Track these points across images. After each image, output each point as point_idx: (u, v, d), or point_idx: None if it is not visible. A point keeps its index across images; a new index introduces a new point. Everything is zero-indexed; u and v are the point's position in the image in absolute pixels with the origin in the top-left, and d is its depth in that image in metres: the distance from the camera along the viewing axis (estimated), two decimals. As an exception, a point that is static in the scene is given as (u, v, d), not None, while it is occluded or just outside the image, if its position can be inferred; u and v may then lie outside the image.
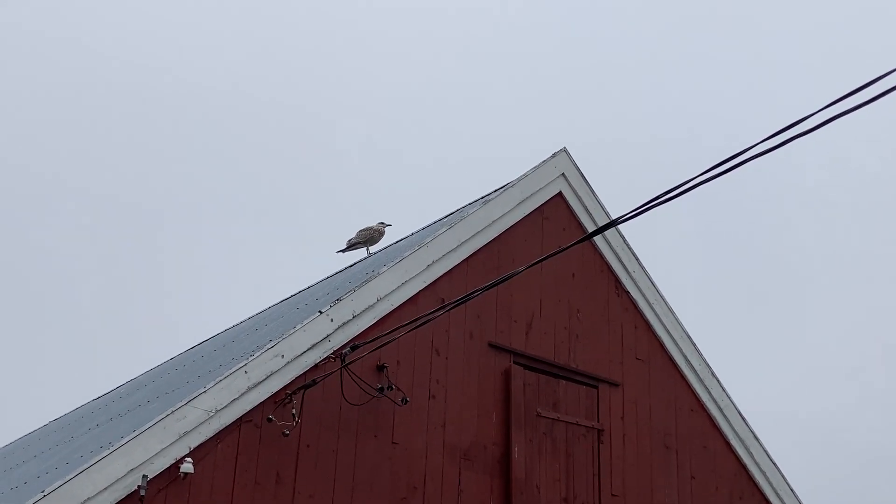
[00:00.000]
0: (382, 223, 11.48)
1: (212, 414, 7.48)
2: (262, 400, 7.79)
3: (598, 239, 10.47)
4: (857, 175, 36.59)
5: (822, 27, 39.24)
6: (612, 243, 10.58)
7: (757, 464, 11.06)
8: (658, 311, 10.76)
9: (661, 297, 10.82)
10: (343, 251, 11.62)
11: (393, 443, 8.51)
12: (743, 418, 11.07)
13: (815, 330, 33.41)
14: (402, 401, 8.56)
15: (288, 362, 7.97)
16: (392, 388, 8.50)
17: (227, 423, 7.58)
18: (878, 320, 31.95)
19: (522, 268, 7.02)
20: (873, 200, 35.44)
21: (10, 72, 39.86)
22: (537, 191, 10.13)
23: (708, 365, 10.98)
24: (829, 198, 36.98)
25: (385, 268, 8.79)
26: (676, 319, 10.87)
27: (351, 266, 12.31)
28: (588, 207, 10.48)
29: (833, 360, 32.18)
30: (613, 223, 6.08)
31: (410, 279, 8.92)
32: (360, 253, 11.87)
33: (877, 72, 4.53)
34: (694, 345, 10.93)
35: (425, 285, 9.03)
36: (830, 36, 38.16)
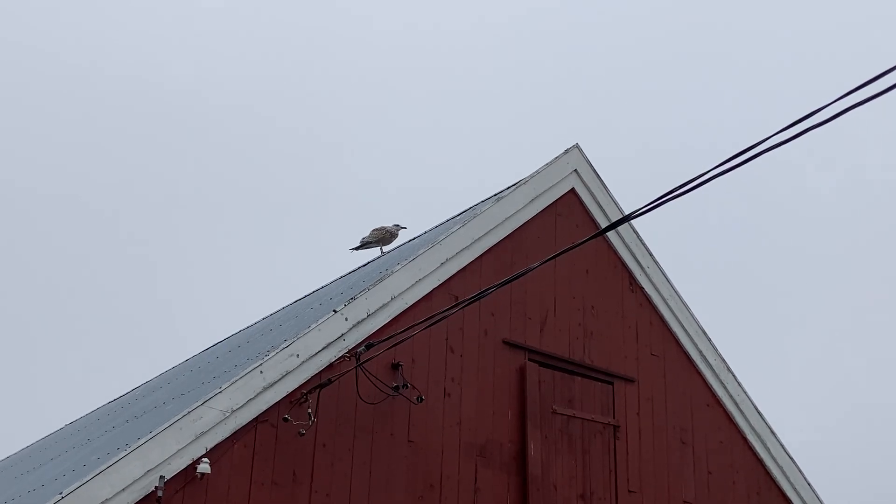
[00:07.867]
0: (397, 225, 11.50)
1: (228, 414, 7.49)
2: (277, 400, 7.80)
3: (611, 235, 10.44)
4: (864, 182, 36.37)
5: (835, 31, 38.92)
6: (626, 239, 10.55)
7: (774, 459, 11.02)
8: (672, 307, 10.72)
9: (676, 292, 10.78)
10: (356, 249, 11.65)
11: (409, 441, 8.51)
12: (759, 413, 11.03)
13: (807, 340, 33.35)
14: (417, 399, 8.56)
15: (303, 362, 7.98)
16: (407, 387, 8.50)
17: (244, 423, 7.60)
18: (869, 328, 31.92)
19: (536, 264, 7.01)
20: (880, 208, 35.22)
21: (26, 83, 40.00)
22: (550, 187, 10.10)
23: (724, 360, 10.94)
24: (835, 203, 36.77)
25: (399, 266, 8.79)
26: (691, 314, 10.83)
27: (364, 265, 12.31)
28: (601, 203, 10.45)
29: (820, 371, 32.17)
30: (627, 218, 6.07)
31: (424, 277, 8.91)
32: (374, 252, 11.88)
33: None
34: (709, 340, 10.89)
35: (439, 283, 9.03)
36: (847, 39, 37.81)
